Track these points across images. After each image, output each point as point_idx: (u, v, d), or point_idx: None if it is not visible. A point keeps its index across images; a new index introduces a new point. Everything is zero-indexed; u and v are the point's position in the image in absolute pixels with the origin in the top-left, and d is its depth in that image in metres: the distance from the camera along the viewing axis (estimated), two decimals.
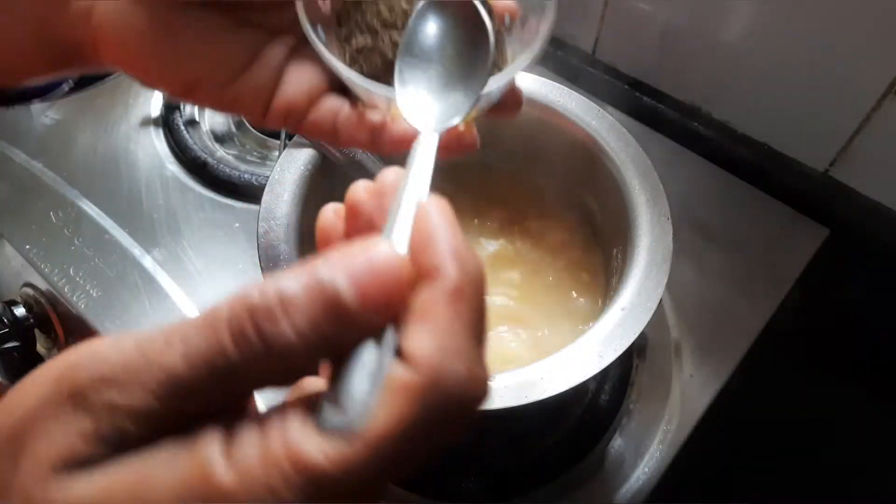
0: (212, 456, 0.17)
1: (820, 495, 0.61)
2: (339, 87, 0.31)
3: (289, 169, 0.48)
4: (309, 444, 0.17)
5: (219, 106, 0.31)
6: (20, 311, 0.60)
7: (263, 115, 0.31)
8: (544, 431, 0.52)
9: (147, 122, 0.70)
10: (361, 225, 0.23)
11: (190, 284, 0.58)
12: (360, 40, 0.31)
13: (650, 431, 0.52)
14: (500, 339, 0.49)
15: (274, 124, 0.32)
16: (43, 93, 0.35)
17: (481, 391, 0.18)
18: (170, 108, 0.70)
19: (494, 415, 0.38)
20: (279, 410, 0.18)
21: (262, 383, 0.18)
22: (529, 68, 0.30)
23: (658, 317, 0.57)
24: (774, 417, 0.63)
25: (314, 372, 0.19)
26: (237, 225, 0.62)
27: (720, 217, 0.62)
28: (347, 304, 0.17)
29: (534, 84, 0.52)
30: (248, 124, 0.71)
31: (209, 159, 0.65)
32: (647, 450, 0.52)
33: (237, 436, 0.17)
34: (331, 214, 0.24)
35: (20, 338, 0.59)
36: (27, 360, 0.64)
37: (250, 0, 0.30)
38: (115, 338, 0.18)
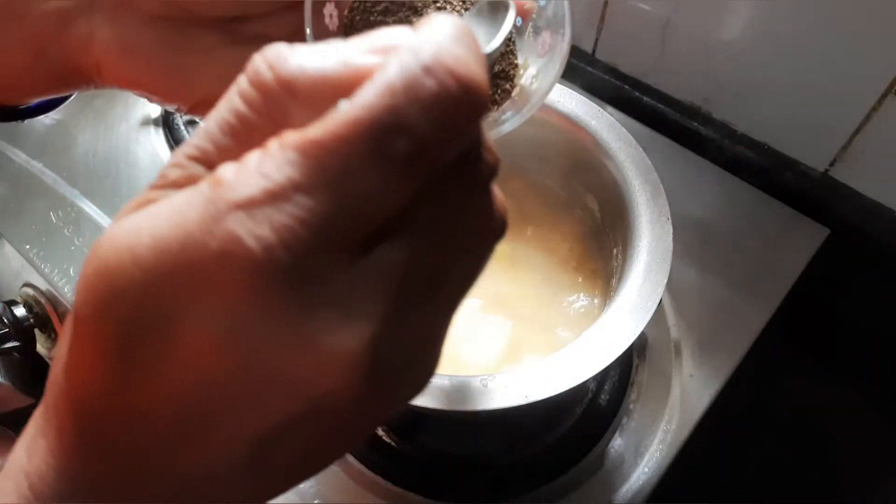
0: (223, 170, 0.17)
1: (820, 495, 0.61)
2: None
3: None
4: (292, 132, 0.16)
5: None
6: (20, 311, 0.60)
7: None
8: (544, 431, 0.52)
9: (147, 122, 0.70)
10: None
11: None
12: None
13: (650, 431, 0.52)
14: (499, 339, 0.49)
15: None
16: (47, 109, 0.35)
17: (457, 60, 0.16)
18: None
19: (494, 415, 0.38)
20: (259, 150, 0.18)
21: (273, 128, 0.18)
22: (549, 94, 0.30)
23: (658, 317, 0.57)
24: (774, 417, 0.63)
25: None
26: None
27: (720, 217, 0.62)
28: (355, 62, 0.18)
29: None
30: None
31: None
32: (647, 450, 0.52)
33: (242, 159, 0.17)
34: None
35: (20, 338, 0.59)
36: (27, 360, 0.64)
37: (249, 13, 0.30)
38: None
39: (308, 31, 0.29)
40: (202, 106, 0.31)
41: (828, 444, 0.62)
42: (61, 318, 0.59)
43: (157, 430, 0.18)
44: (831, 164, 0.61)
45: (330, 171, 0.16)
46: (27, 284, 0.61)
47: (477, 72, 0.17)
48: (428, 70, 0.16)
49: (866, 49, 0.53)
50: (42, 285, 0.59)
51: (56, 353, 0.20)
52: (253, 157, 0.16)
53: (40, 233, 0.61)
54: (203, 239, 0.16)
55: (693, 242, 0.59)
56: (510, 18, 0.27)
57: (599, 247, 0.52)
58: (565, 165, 0.53)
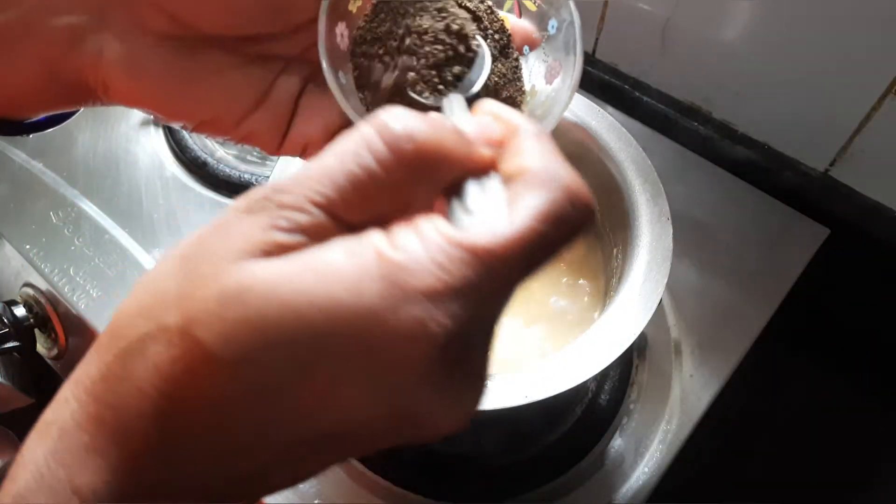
0: (380, 242, 0.19)
1: (820, 495, 0.61)
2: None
3: (289, 169, 0.48)
4: (464, 230, 0.19)
5: (234, 139, 0.32)
6: (20, 311, 0.60)
7: (279, 147, 0.32)
8: (544, 431, 0.52)
9: (147, 122, 0.70)
10: None
11: None
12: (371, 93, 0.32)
13: (650, 431, 0.52)
14: (499, 340, 0.49)
15: (290, 155, 0.32)
16: (53, 124, 0.35)
17: (586, 192, 0.21)
18: None
19: (494, 415, 0.38)
20: (405, 222, 0.20)
21: (400, 194, 0.21)
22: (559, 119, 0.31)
23: (658, 317, 0.57)
24: (774, 417, 0.63)
25: (420, 200, 0.22)
26: None
27: (720, 217, 0.62)
28: (468, 136, 0.22)
29: None
30: None
31: (209, 159, 0.65)
32: (647, 450, 0.52)
33: (393, 233, 0.20)
34: None
35: (20, 338, 0.59)
36: (27, 361, 0.64)
37: (258, 33, 0.30)
38: None
39: (322, 49, 0.29)
40: (207, 125, 0.31)
41: (828, 444, 0.62)
42: (61, 318, 0.59)
43: (278, 452, 0.20)
44: (831, 164, 0.61)
45: (498, 278, 0.19)
46: (27, 284, 0.61)
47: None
48: (573, 203, 0.20)
49: (866, 49, 0.53)
50: (42, 285, 0.59)
51: (116, 372, 0.20)
52: (414, 241, 0.19)
53: (40, 233, 0.61)
54: (386, 317, 0.18)
55: (693, 242, 0.59)
56: (486, 63, 0.31)
57: (599, 247, 0.52)
58: None
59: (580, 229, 0.21)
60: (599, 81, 0.70)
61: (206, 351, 0.18)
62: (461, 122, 0.23)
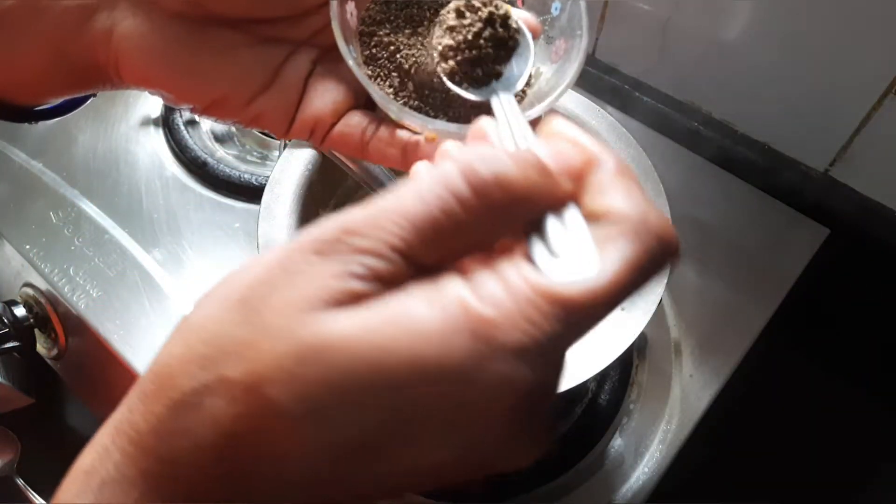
0: (464, 292, 0.18)
1: (820, 495, 0.61)
2: (365, 100, 0.32)
3: (289, 169, 0.48)
4: (552, 278, 0.19)
5: (243, 121, 0.31)
6: (20, 311, 0.60)
7: (287, 130, 0.31)
8: None
9: (147, 122, 0.70)
10: None
11: (190, 284, 0.58)
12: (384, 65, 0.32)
13: (650, 431, 0.52)
14: None
15: (298, 137, 0.32)
16: (63, 112, 0.35)
17: (674, 234, 0.21)
18: (170, 109, 0.70)
19: None
20: (491, 266, 0.19)
21: (479, 235, 0.20)
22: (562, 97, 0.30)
23: (658, 317, 0.57)
24: (774, 417, 0.63)
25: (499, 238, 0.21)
26: (237, 225, 0.62)
27: (720, 217, 0.62)
28: (552, 171, 0.20)
29: None
30: None
31: (209, 159, 0.65)
32: (647, 450, 0.52)
33: (475, 281, 0.19)
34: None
35: (20, 338, 0.59)
36: (27, 361, 0.64)
37: (269, 15, 0.30)
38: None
39: (336, 28, 0.29)
40: (217, 106, 0.31)
41: (828, 444, 0.62)
42: (61, 318, 0.59)
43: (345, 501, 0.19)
44: (831, 164, 0.61)
45: (583, 329, 0.19)
46: (27, 284, 0.61)
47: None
48: (664, 250, 0.20)
49: (866, 49, 0.53)
50: (42, 285, 0.59)
51: (169, 425, 0.19)
52: (500, 291, 0.18)
53: (40, 233, 0.61)
54: (474, 376, 0.18)
55: (693, 242, 0.59)
56: (530, 54, 0.30)
57: None
58: None
59: (665, 268, 0.21)
60: (599, 81, 0.70)
61: (279, 410, 0.18)
62: (535, 145, 0.22)
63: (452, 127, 0.30)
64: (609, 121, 0.50)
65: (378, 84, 0.31)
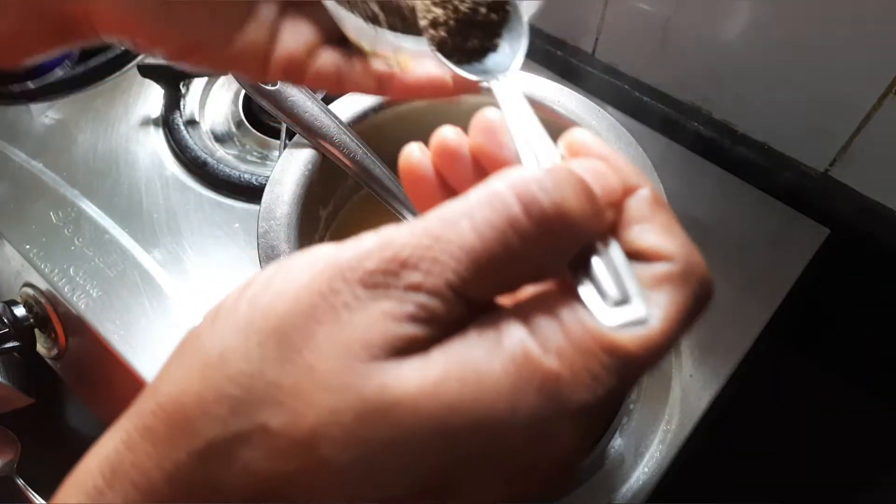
0: (528, 342, 0.17)
1: (820, 495, 0.61)
2: (336, 38, 0.32)
3: (289, 169, 0.48)
4: (615, 332, 0.18)
5: (217, 65, 0.31)
6: (20, 311, 0.60)
7: (263, 72, 0.31)
8: None
9: (147, 122, 0.70)
10: (461, 163, 0.24)
11: (190, 284, 0.58)
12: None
13: (650, 431, 0.52)
14: None
15: (274, 79, 0.32)
16: (39, 73, 0.35)
17: (710, 275, 0.20)
18: (170, 108, 0.70)
19: None
20: (546, 307, 0.18)
21: (534, 268, 0.19)
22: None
23: None
24: (774, 417, 0.63)
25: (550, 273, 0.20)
26: (237, 225, 0.62)
27: (720, 217, 0.62)
28: (597, 197, 0.19)
29: (534, 84, 0.52)
30: (247, 124, 0.71)
31: (209, 159, 0.65)
32: (647, 450, 0.52)
33: (536, 327, 0.18)
34: (417, 152, 0.25)
35: (20, 338, 0.59)
36: (27, 361, 0.64)
37: None
38: (375, 231, 0.19)
39: None
40: (191, 51, 0.30)
41: (827, 444, 0.62)
42: (61, 318, 0.59)
43: None
44: (831, 164, 0.61)
45: (632, 382, 0.18)
46: (27, 284, 0.61)
47: None
48: (708, 295, 0.20)
49: (866, 49, 0.53)
50: (42, 285, 0.59)
51: (194, 476, 0.17)
52: (564, 342, 0.17)
53: (40, 233, 0.61)
54: (539, 436, 0.17)
55: (693, 242, 0.59)
56: (524, 32, 0.29)
57: None
58: None
59: (705, 312, 0.20)
60: (599, 81, 0.70)
61: (332, 469, 0.16)
62: (572, 162, 0.21)
63: (425, 47, 0.28)
64: (609, 121, 0.50)
65: (375, 20, 0.30)
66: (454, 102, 0.54)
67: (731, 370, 0.54)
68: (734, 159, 0.65)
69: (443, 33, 0.28)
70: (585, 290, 0.19)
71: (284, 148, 0.49)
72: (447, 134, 0.25)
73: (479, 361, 0.17)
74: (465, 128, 0.53)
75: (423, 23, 0.28)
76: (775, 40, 0.57)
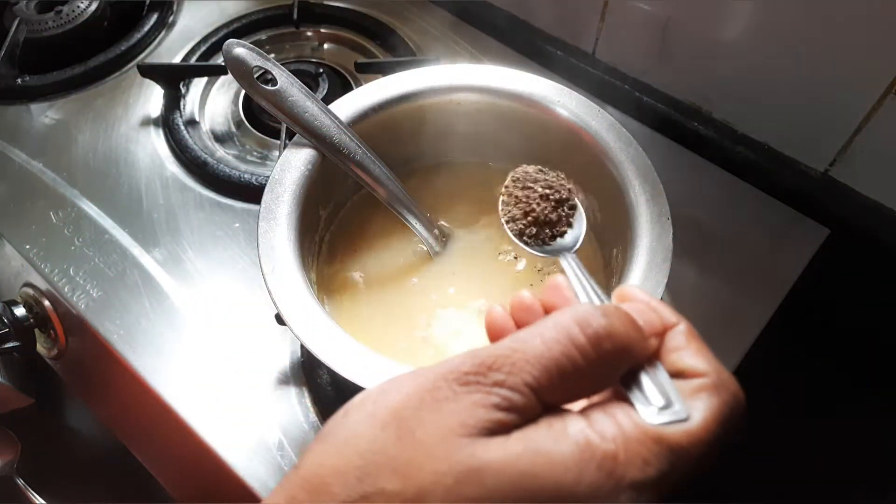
0: (587, 430, 0.22)
1: (820, 496, 0.61)
2: None
3: (289, 169, 0.48)
4: (657, 424, 0.22)
5: None
6: (20, 311, 0.60)
7: None
8: None
9: (147, 122, 0.70)
10: (535, 314, 0.29)
11: (190, 284, 0.58)
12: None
13: None
14: None
15: None
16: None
17: (742, 392, 0.25)
18: (170, 108, 0.70)
19: None
20: (598, 408, 0.23)
21: (593, 380, 0.24)
22: None
23: None
24: (774, 417, 0.63)
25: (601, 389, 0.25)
26: (237, 225, 0.62)
27: (720, 217, 0.62)
28: (643, 328, 0.25)
29: (534, 84, 0.52)
30: (247, 124, 0.71)
31: (209, 159, 0.65)
32: None
33: (592, 418, 0.23)
34: (500, 309, 0.30)
35: (20, 338, 0.59)
36: (27, 361, 0.64)
37: None
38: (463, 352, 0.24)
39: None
40: None
41: (828, 444, 0.62)
42: (61, 318, 0.59)
43: None
44: (831, 164, 0.61)
45: (685, 470, 0.23)
46: (27, 284, 0.61)
47: None
48: (741, 407, 0.24)
49: (866, 49, 0.53)
50: (42, 285, 0.59)
51: None
52: (616, 431, 0.22)
53: (40, 233, 0.61)
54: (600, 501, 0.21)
55: (693, 242, 0.59)
56: (583, 222, 0.41)
57: (599, 247, 0.52)
58: (565, 166, 0.53)
59: (743, 430, 0.24)
60: (599, 81, 0.70)
61: None
62: (620, 305, 0.27)
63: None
64: (609, 121, 0.50)
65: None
66: (455, 103, 0.54)
67: (731, 370, 0.54)
68: (734, 159, 0.65)
69: (521, 226, 0.40)
70: (635, 398, 0.24)
71: (284, 148, 0.49)
72: (524, 293, 0.30)
73: (552, 442, 0.22)
74: (465, 124, 0.54)
75: (503, 219, 0.41)
76: (775, 41, 0.57)
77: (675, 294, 0.58)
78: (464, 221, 0.55)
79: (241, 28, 0.77)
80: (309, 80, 0.71)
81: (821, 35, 0.54)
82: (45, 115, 0.71)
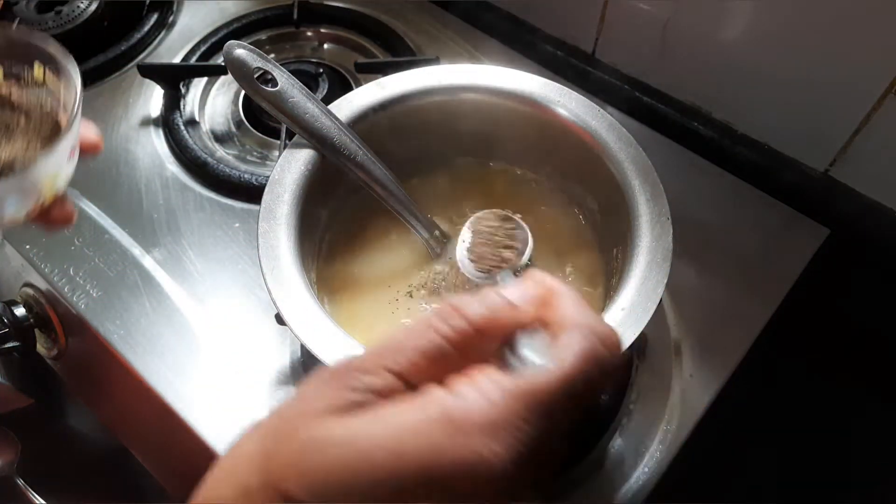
0: (442, 394, 0.23)
1: (820, 496, 0.61)
2: None
3: (289, 169, 0.48)
4: (516, 373, 0.24)
5: None
6: (20, 311, 0.60)
7: None
8: None
9: (147, 122, 0.70)
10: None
11: (190, 284, 0.58)
12: None
13: (650, 431, 0.52)
14: None
15: None
16: None
17: (616, 337, 0.26)
18: (170, 108, 0.70)
19: None
20: (468, 376, 0.24)
21: (466, 357, 0.25)
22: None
23: (658, 317, 0.57)
24: (774, 417, 0.63)
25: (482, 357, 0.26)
26: (237, 225, 0.62)
27: (720, 217, 0.62)
28: (516, 303, 0.26)
29: (534, 84, 0.52)
30: (247, 124, 0.71)
31: (209, 159, 0.65)
32: (647, 450, 0.52)
33: (452, 385, 0.23)
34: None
35: (20, 338, 0.59)
36: (27, 360, 0.64)
37: None
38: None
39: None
40: None
41: (828, 444, 0.62)
42: (61, 318, 0.59)
43: None
44: (831, 164, 0.61)
45: (546, 411, 0.23)
46: (27, 284, 0.61)
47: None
48: (605, 344, 0.25)
49: (866, 49, 0.53)
50: (42, 285, 0.59)
51: None
52: (470, 388, 0.23)
53: (40, 233, 0.61)
54: (446, 450, 0.22)
55: (693, 242, 0.59)
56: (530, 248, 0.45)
57: (599, 246, 0.52)
58: (565, 165, 0.53)
59: (613, 368, 0.25)
60: (599, 81, 0.70)
61: (292, 499, 0.22)
62: (509, 291, 0.28)
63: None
64: (609, 121, 0.50)
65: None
66: (455, 104, 0.54)
67: (731, 370, 0.54)
68: (734, 159, 0.65)
69: (480, 266, 0.45)
70: (506, 358, 0.25)
71: (284, 148, 0.49)
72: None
73: (400, 409, 0.23)
74: (465, 124, 0.53)
75: (465, 259, 0.46)
76: (775, 40, 0.57)
77: (675, 294, 0.58)
78: (461, 222, 0.55)
79: (241, 28, 0.77)
80: (309, 80, 0.71)
81: (821, 35, 0.54)
82: None
